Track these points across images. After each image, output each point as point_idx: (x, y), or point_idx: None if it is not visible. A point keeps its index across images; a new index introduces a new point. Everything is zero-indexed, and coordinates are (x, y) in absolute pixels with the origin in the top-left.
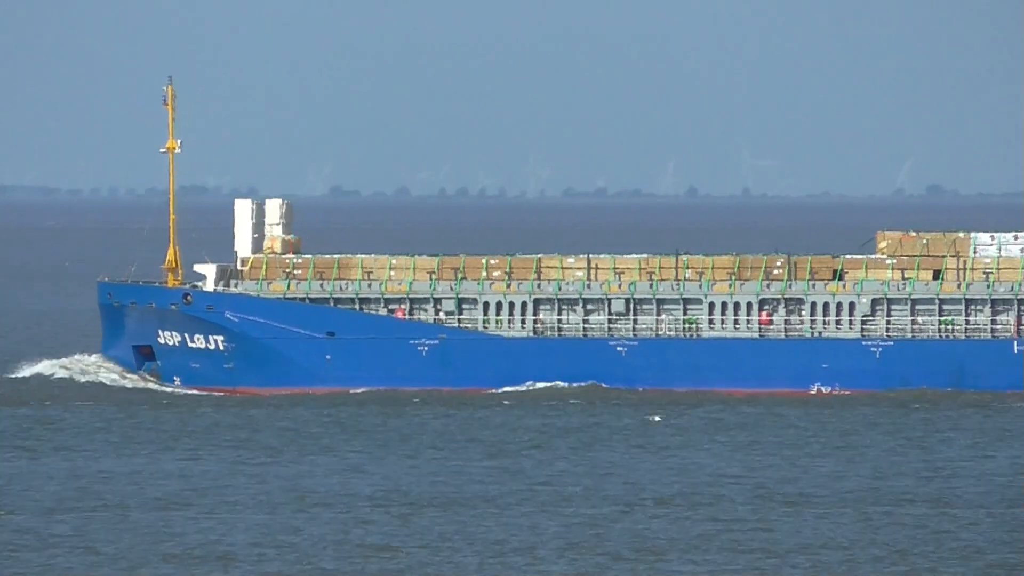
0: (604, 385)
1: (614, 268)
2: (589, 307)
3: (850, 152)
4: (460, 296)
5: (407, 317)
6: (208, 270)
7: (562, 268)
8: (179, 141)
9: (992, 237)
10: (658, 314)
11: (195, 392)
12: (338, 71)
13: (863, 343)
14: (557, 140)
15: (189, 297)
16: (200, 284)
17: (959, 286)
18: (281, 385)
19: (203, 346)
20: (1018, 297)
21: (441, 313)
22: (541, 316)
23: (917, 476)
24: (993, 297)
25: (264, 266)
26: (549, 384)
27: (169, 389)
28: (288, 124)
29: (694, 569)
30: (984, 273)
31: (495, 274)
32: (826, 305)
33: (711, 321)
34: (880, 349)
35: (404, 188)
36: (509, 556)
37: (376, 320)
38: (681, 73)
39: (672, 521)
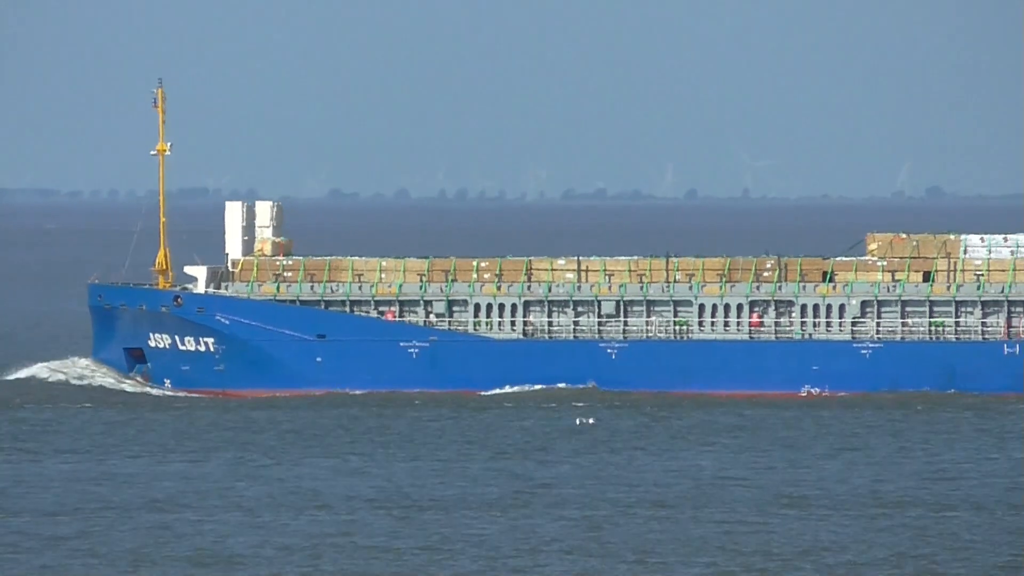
0: (595, 387)
1: (604, 270)
2: (579, 309)
3: (849, 154)
4: (450, 298)
5: (397, 319)
6: (199, 272)
7: (552, 270)
8: (169, 143)
9: (982, 239)
10: (648, 316)
11: (185, 394)
12: (337, 73)
13: (853, 345)
14: (556, 142)
15: (180, 299)
16: (191, 286)
17: (949, 288)
18: (272, 387)
19: (194, 348)
20: (1008, 299)
21: (431, 315)
22: (531, 318)
23: (918, 478)
24: (983, 299)
25: (255, 268)
26: (546, 386)
27: (160, 392)
28: (288, 126)
29: (697, 572)
30: (974, 275)
31: (485, 276)
32: (816, 307)
33: (701, 323)
34: (870, 351)
35: (404, 190)
36: (510, 558)
37: (366, 322)
38: (680, 75)
39: (673, 523)
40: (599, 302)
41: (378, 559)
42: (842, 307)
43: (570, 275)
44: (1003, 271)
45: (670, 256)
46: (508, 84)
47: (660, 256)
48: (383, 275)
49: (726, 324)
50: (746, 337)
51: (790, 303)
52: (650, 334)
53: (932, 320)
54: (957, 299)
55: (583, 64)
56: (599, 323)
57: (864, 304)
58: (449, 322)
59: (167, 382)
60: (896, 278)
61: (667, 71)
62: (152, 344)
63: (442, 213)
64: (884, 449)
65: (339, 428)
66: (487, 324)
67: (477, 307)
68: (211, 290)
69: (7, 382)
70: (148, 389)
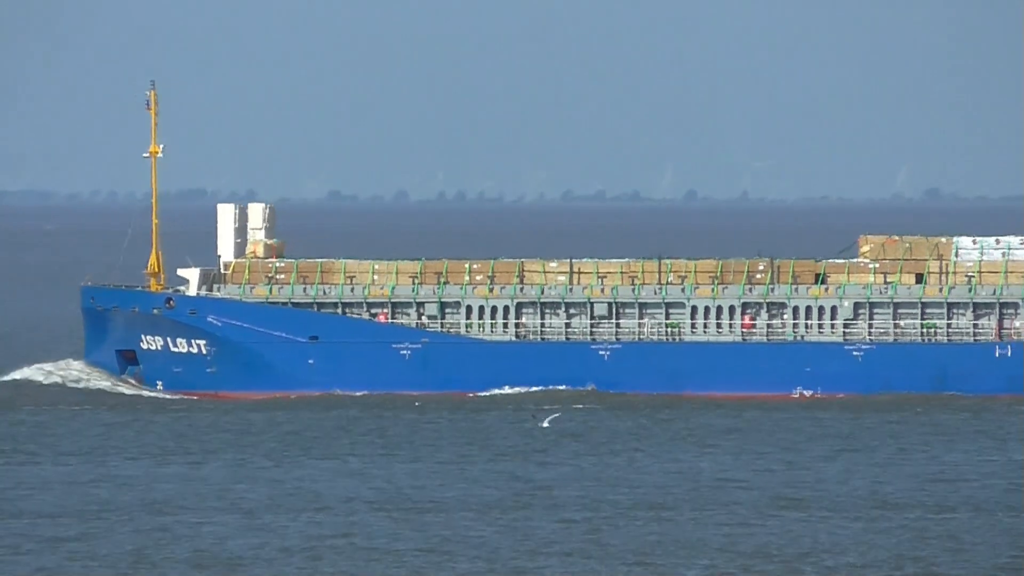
0: (586, 389)
1: (597, 272)
2: (571, 311)
3: (848, 156)
4: (443, 300)
5: (390, 321)
6: (191, 274)
7: (544, 272)
8: (162, 146)
9: (974, 241)
10: (640, 318)
11: (183, 396)
12: (336, 75)
13: (845, 347)
14: (555, 144)
15: (172, 301)
16: (183, 288)
17: (941, 290)
18: (264, 389)
19: (186, 350)
20: (1000, 301)
21: (424, 317)
22: (524, 320)
23: (917, 480)
24: (975, 301)
25: (247, 270)
26: (539, 388)
27: (152, 393)
28: (287, 128)
29: (696, 574)
30: (966, 277)
31: (477, 278)
32: (808, 309)
33: (693, 325)
34: (862, 353)
35: (403, 192)
36: (509, 560)
37: (359, 324)
38: (679, 77)
39: (672, 525)
40: (591, 304)
41: (378, 561)
42: (834, 309)
43: (562, 277)
44: (995, 273)
45: (662, 258)
46: (507, 86)
47: (652, 258)
48: (375, 277)
49: (718, 326)
50: (738, 339)
51: (782, 305)
52: (642, 336)
53: (924, 322)
54: (949, 301)
55: (582, 66)
56: (591, 325)
57: (856, 306)
58: (441, 324)
59: (159, 384)
60: (888, 280)
61: (666, 73)
62: (144, 346)
63: (441, 215)
64: (883, 451)
65: (338, 430)
66: (479, 326)
67: (469, 309)
68: (203, 292)
69: (2, 383)
70: (141, 391)
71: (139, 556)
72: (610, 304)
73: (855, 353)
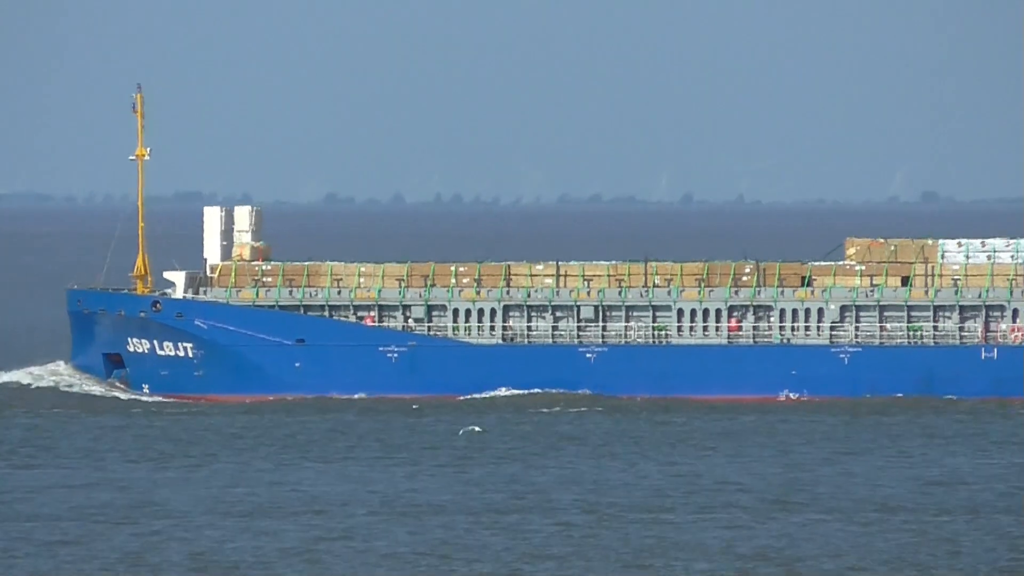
0: (573, 392)
1: (583, 275)
2: (558, 314)
3: (845, 159)
4: (429, 303)
5: (376, 324)
6: (177, 277)
7: (531, 275)
8: (148, 148)
9: (959, 244)
10: (627, 321)
11: (175, 400)
12: (333, 78)
13: (832, 350)
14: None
15: (158, 304)
16: (169, 291)
17: (927, 292)
18: (251, 392)
19: (172, 353)
20: (986, 304)
21: (410, 320)
22: (510, 323)
23: (916, 482)
24: (961, 303)
25: (233, 273)
26: (526, 391)
27: (139, 397)
28: (283, 131)
29: None
30: (952, 280)
31: (464, 281)
32: (795, 312)
33: (680, 328)
34: (849, 355)
35: (399, 195)
36: (508, 563)
37: (346, 327)
38: (675, 80)
39: (671, 528)
40: (578, 307)
41: (378, 564)
42: (820, 311)
43: (549, 280)
44: (981, 276)
45: (649, 261)
46: (503, 89)
47: (639, 261)
48: (362, 280)
49: (705, 329)
50: (725, 342)
51: (769, 308)
52: (629, 339)
53: (910, 325)
54: (935, 304)
55: (579, 69)
56: (578, 328)
57: (843, 309)
58: (428, 327)
59: (145, 387)
60: (874, 283)
61: (662, 76)
62: (131, 349)
63: (437, 218)
64: (881, 453)
65: (336, 432)
66: (466, 329)
67: (456, 312)
68: (190, 295)
69: None
70: (131, 395)
71: (137, 559)
72: (596, 307)
73: (841, 356)
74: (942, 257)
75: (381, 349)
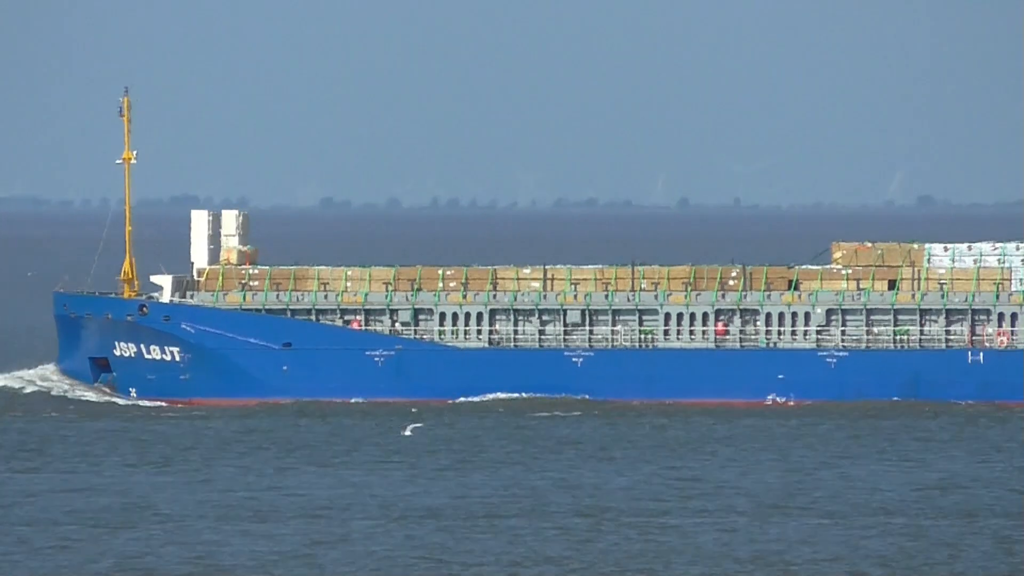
0: (560, 396)
1: (570, 279)
2: (545, 318)
3: (842, 163)
4: (416, 307)
5: (363, 328)
6: (164, 281)
7: (518, 279)
8: (135, 152)
9: (946, 248)
10: (614, 325)
11: (152, 404)
12: (329, 82)
13: (818, 353)
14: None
15: (145, 308)
16: (156, 295)
17: (913, 296)
18: (237, 396)
19: (159, 357)
20: (972, 307)
21: (397, 324)
22: (497, 327)
23: (913, 486)
24: (947, 307)
25: (220, 277)
26: (513, 395)
27: (126, 401)
28: (280, 135)
29: None
30: (938, 284)
31: (451, 285)
32: (781, 315)
33: (667, 332)
34: (835, 359)
35: (395, 199)
36: (506, 566)
37: (332, 331)
38: (672, 83)
39: (669, 531)
40: (565, 311)
41: (376, 569)
42: (807, 315)
43: (536, 284)
44: (967, 280)
45: (635, 265)
46: (500, 93)
47: (626, 265)
48: (348, 284)
49: (691, 333)
50: (711, 346)
51: (755, 311)
52: (616, 343)
53: (896, 329)
54: (921, 308)
55: (575, 73)
56: (565, 332)
57: (829, 312)
58: (415, 331)
59: (132, 391)
60: (861, 287)
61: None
62: (117, 353)
63: (433, 222)
64: (878, 457)
65: (334, 436)
66: (453, 333)
67: (443, 316)
68: (176, 299)
69: None
70: (127, 400)
71: (136, 563)
72: (583, 311)
73: (828, 360)
74: (928, 261)
75: (368, 353)
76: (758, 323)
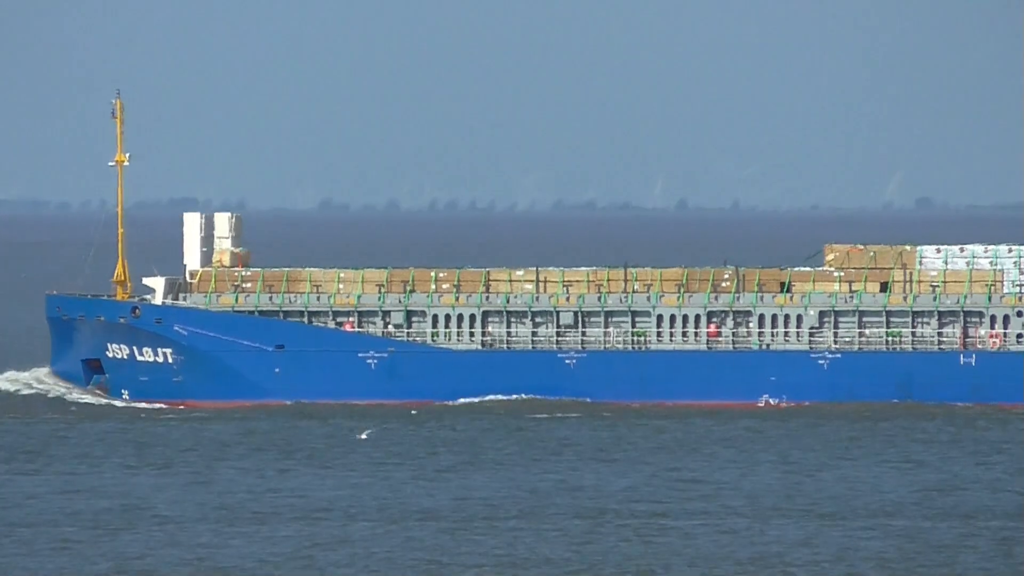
0: (553, 398)
1: (563, 281)
2: (538, 320)
3: (840, 165)
4: (409, 309)
5: (356, 330)
6: (157, 283)
7: (511, 281)
8: (128, 154)
9: (938, 250)
10: (606, 326)
11: (145, 405)
12: (328, 84)
13: (811, 355)
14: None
15: (138, 310)
16: (149, 297)
17: (906, 298)
18: (230, 398)
19: (152, 359)
20: (964, 309)
21: (390, 326)
22: (490, 329)
23: (913, 488)
24: (940, 309)
25: (213, 279)
26: (505, 396)
27: (119, 403)
28: (279, 138)
29: None
30: (931, 286)
31: (444, 287)
32: (774, 317)
33: (659, 333)
34: (828, 361)
35: (394, 201)
36: (504, 568)
37: (325, 333)
38: (670, 86)
39: (668, 533)
40: (557, 313)
41: (376, 571)
42: (799, 317)
43: (528, 286)
44: (959, 282)
45: (628, 267)
46: (498, 95)
47: (618, 266)
48: (341, 286)
49: (684, 334)
50: (704, 347)
51: (748, 313)
52: (608, 344)
53: (889, 330)
54: (914, 309)
55: (573, 76)
56: (557, 333)
57: (821, 314)
58: (407, 333)
59: (125, 393)
60: (853, 288)
61: (658, 82)
62: (110, 355)
63: (432, 224)
64: (877, 459)
65: (332, 438)
66: (445, 335)
67: (435, 318)
68: (169, 301)
69: None
70: (110, 401)
71: (136, 564)
72: (576, 312)
73: (820, 361)
74: (920, 263)
75: (360, 355)
76: (751, 325)
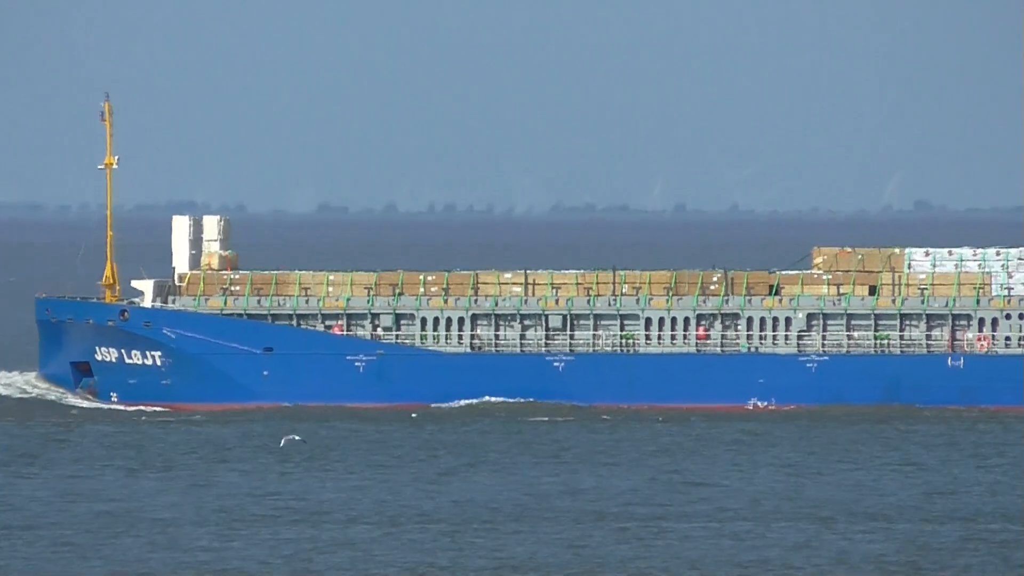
0: (542, 401)
1: (551, 284)
2: (526, 323)
3: (838, 168)
4: (398, 312)
5: (345, 333)
6: (146, 286)
7: (499, 284)
8: (116, 157)
9: (927, 253)
10: (595, 329)
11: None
12: (326, 86)
13: (799, 358)
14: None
15: (126, 313)
16: (137, 300)
17: (894, 301)
18: (219, 401)
19: (140, 362)
20: (952, 312)
21: (379, 329)
22: (479, 332)
23: (913, 491)
24: (928, 312)
25: (201, 282)
26: (495, 399)
27: (123, 407)
28: (277, 141)
29: None
30: (919, 289)
31: (432, 290)
32: (763, 320)
33: (648, 336)
34: (816, 364)
35: (392, 204)
36: (503, 569)
37: (314, 336)
38: (669, 88)
39: (667, 535)
40: (546, 315)
41: (376, 572)
42: (788, 320)
43: (517, 289)
44: (947, 285)
45: (616, 269)
46: (497, 98)
47: (607, 269)
48: (330, 289)
49: (673, 337)
50: (693, 350)
51: (736, 316)
52: (597, 347)
53: (877, 333)
54: (902, 312)
55: (572, 78)
56: (546, 336)
57: (810, 317)
58: (396, 336)
59: (113, 396)
60: (842, 291)
61: (656, 84)
62: (99, 358)
63: (429, 227)
64: (878, 462)
65: (331, 440)
66: (434, 338)
67: (424, 321)
68: (158, 304)
69: None
70: (99, 404)
71: (137, 566)
72: (565, 315)
73: (809, 364)
74: (909, 266)
75: (349, 358)
76: (739, 328)
